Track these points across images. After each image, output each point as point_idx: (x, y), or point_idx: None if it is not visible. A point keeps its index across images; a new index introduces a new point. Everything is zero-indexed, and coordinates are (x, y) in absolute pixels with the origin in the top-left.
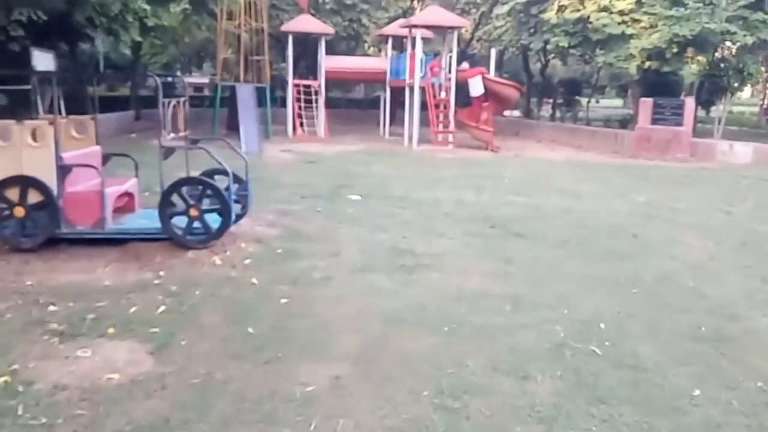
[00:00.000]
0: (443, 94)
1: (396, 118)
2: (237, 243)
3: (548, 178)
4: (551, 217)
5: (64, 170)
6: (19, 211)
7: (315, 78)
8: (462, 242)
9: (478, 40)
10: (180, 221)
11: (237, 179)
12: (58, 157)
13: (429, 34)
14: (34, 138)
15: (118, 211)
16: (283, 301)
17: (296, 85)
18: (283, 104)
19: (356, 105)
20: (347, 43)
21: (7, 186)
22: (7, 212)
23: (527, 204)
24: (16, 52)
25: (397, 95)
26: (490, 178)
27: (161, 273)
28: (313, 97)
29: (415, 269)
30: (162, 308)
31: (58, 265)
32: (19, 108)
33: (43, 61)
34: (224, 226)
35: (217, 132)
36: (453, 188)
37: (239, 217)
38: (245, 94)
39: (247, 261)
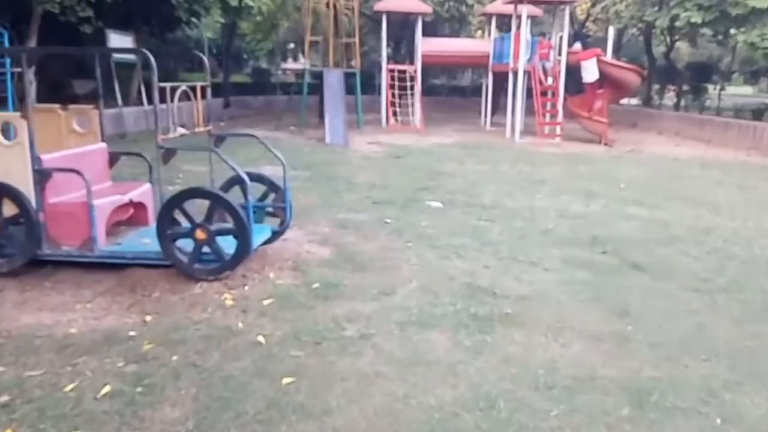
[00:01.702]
0: (551, 80)
1: (500, 107)
2: (266, 271)
3: (675, 181)
4: (683, 240)
5: (42, 175)
6: None
7: (412, 62)
8: (562, 277)
9: (594, 20)
10: (188, 244)
11: (273, 187)
12: (35, 159)
13: (537, 11)
14: (8, 135)
15: (125, 224)
16: (287, 381)
17: (390, 71)
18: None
19: (459, 92)
20: (451, 24)
21: None
22: None
23: (650, 219)
24: (90, 36)
25: (502, 81)
26: (602, 181)
27: (147, 318)
28: (408, 83)
29: (492, 324)
30: (107, 389)
31: (34, 297)
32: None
33: (120, 44)
34: (241, 254)
35: (304, 122)
36: (556, 194)
37: (276, 234)
38: (333, 80)
39: (267, 302)
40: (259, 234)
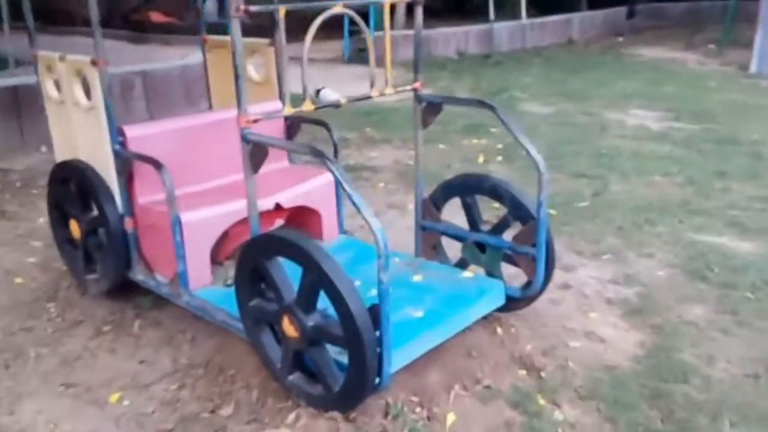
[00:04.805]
0: None
1: None
2: (441, 404)
3: None
4: None
5: (122, 161)
6: None
7: None
8: None
9: None
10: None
11: (517, 210)
12: (114, 133)
13: None
14: None
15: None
16: None
17: None
18: None
19: None
20: None
21: None
22: None
23: None
24: None
25: None
26: None
27: None
28: None
29: None
30: None
31: (93, 352)
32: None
33: None
34: (355, 387)
35: (728, 38)
36: None
37: (515, 301)
38: None
39: None
40: (468, 304)
